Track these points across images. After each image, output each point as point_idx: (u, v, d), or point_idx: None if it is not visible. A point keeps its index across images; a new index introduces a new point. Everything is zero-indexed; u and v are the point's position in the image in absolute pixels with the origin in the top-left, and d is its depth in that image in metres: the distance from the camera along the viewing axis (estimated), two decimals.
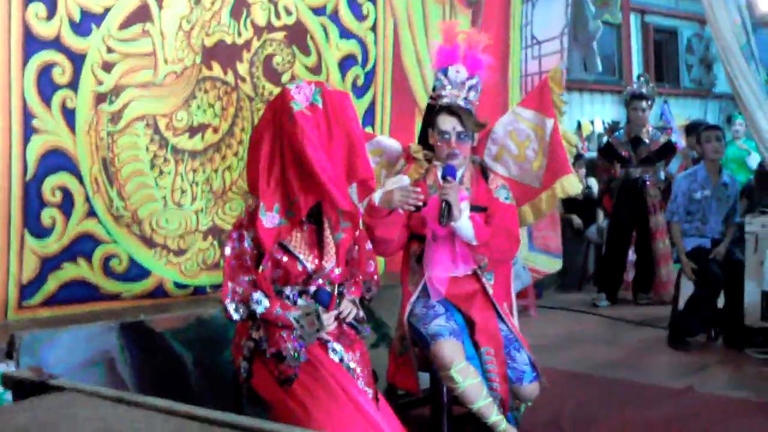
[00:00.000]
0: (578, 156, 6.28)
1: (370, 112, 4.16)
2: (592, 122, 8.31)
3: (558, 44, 5.03)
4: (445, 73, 3.06)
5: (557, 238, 5.23)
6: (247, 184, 2.57)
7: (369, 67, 4.14)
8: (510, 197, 3.06)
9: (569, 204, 6.49)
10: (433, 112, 3.08)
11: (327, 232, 2.49)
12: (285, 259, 2.43)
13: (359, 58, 4.05)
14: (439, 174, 2.96)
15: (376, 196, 2.83)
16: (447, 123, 2.96)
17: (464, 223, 2.88)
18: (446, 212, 2.82)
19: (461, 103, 3.00)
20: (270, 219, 2.40)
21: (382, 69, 4.24)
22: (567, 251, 5.57)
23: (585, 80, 8.17)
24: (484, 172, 3.08)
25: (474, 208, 2.96)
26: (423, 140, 3.20)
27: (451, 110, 2.96)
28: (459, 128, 2.94)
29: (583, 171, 6.49)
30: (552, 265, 5.26)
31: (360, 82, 4.05)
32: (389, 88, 4.23)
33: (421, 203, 2.83)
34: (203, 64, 3.38)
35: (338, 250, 2.50)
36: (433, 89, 3.13)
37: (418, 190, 2.84)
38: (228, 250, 2.44)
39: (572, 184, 3.23)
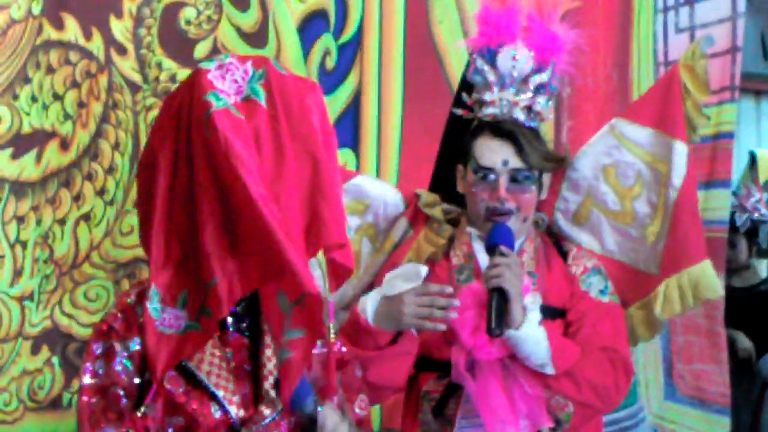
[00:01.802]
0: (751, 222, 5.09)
1: (347, 120, 3.32)
2: None
3: (728, 4, 4.03)
4: (490, 59, 2.43)
5: (723, 375, 4.10)
6: (140, 241, 2.09)
7: (348, 35, 3.28)
8: (610, 291, 2.42)
9: (734, 310, 4.97)
10: (465, 132, 2.48)
11: (268, 351, 1.97)
12: (189, 399, 1.90)
13: (331, 20, 3.23)
14: (476, 244, 2.41)
15: (368, 307, 2.26)
16: (492, 152, 2.37)
17: (532, 332, 2.26)
18: (500, 312, 2.21)
19: (520, 116, 2.39)
20: (169, 318, 1.89)
21: (375, 39, 3.36)
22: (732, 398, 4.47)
23: (765, 76, 6.38)
24: (557, 243, 2.51)
25: (544, 311, 2.32)
26: (441, 184, 2.63)
27: (501, 130, 2.37)
28: (515, 162, 2.36)
29: (742, 245, 5.14)
30: (713, 427, 4.19)
31: (330, 63, 3.25)
32: (398, 77, 3.39)
33: (454, 314, 2.21)
34: (45, 17, 2.55)
35: (285, 382, 1.94)
36: (465, 88, 2.51)
37: (450, 290, 2.21)
38: (86, 379, 1.90)
39: (706, 279, 2.49)
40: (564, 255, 2.46)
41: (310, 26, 3.14)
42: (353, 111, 3.30)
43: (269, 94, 1.92)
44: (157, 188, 1.95)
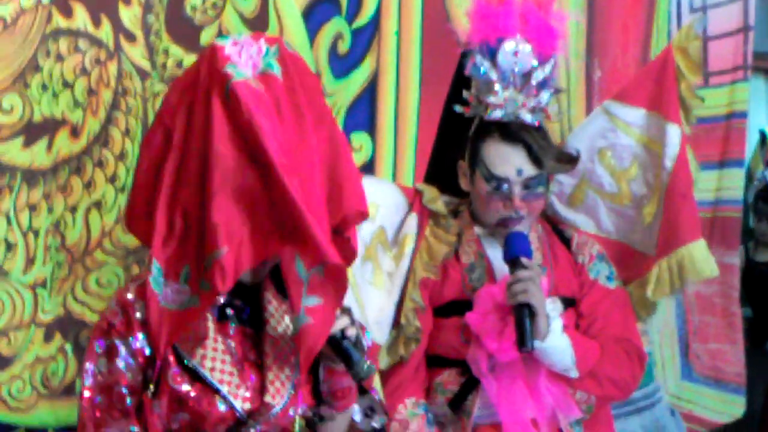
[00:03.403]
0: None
1: (362, 104, 3.24)
2: None
3: None
4: (490, 55, 2.36)
5: (738, 355, 4.02)
6: (125, 219, 2.11)
7: (364, 19, 3.22)
8: (615, 276, 2.42)
9: (755, 284, 5.02)
10: (464, 126, 2.39)
11: (277, 329, 1.94)
12: (191, 391, 1.87)
13: (343, 3, 3.18)
14: (490, 250, 2.36)
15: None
16: (505, 161, 2.29)
17: (557, 342, 2.24)
18: (530, 328, 2.18)
19: (527, 117, 2.30)
20: (172, 293, 1.85)
21: (393, 23, 3.30)
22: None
23: None
24: (556, 229, 2.47)
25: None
26: (437, 175, 2.56)
27: (511, 134, 2.29)
28: (529, 170, 2.28)
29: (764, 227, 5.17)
30: (729, 407, 4.12)
31: (343, 47, 3.19)
32: (415, 61, 3.34)
33: None
34: (54, 5, 2.55)
35: (303, 361, 1.90)
36: (465, 84, 2.41)
37: None
38: (87, 380, 1.88)
39: (694, 261, 2.46)
40: (566, 242, 2.45)
41: (317, 10, 3.12)
42: (369, 95, 3.27)
43: (284, 69, 1.91)
44: (166, 164, 1.94)
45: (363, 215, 2.00)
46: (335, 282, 1.95)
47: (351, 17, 3.18)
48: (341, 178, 1.95)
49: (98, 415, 1.93)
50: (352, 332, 1.98)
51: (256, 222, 1.87)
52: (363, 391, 2.09)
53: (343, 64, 3.21)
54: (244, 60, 1.93)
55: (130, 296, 1.94)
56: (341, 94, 3.15)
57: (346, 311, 2.01)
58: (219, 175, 1.86)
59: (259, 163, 1.83)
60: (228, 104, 1.86)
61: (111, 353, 1.93)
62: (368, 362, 1.96)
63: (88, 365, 1.95)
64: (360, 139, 3.20)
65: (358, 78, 3.23)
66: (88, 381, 1.94)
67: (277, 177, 1.83)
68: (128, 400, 1.92)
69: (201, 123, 1.91)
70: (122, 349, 1.93)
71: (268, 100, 1.88)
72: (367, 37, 3.25)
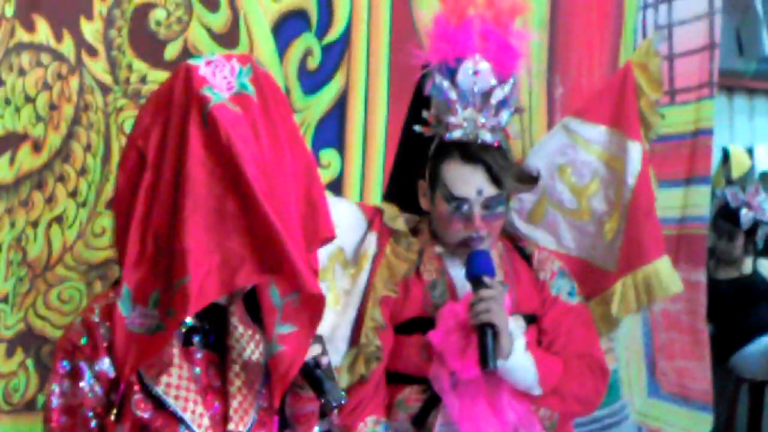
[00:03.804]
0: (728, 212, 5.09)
1: (332, 120, 3.22)
2: (750, 151, 6.36)
3: (705, 1, 3.98)
4: (449, 75, 2.34)
5: (705, 372, 4.04)
6: (115, 249, 2.05)
7: (334, 35, 3.22)
8: (577, 291, 2.41)
9: (715, 302, 4.95)
10: (423, 145, 2.37)
11: (236, 367, 1.92)
12: (155, 421, 1.86)
13: (312, 19, 3.15)
14: (451, 267, 2.34)
15: None
16: (465, 182, 2.28)
17: (520, 360, 2.24)
18: (492, 347, 2.16)
19: (487, 138, 2.29)
20: (140, 317, 1.84)
21: (363, 39, 3.30)
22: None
23: (737, 72, 6.18)
24: (517, 246, 2.46)
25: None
26: (398, 192, 2.53)
27: (471, 155, 2.28)
28: (489, 191, 2.27)
29: (741, 241, 5.22)
30: (696, 424, 4.11)
31: (313, 63, 3.16)
32: (384, 77, 3.32)
33: None
34: (17, 19, 2.54)
35: (276, 389, 1.90)
36: (424, 103, 2.39)
37: None
38: (54, 400, 1.87)
39: (659, 278, 2.46)
40: (527, 258, 2.44)
41: (287, 26, 3.09)
42: (338, 112, 3.27)
43: (259, 89, 1.91)
44: (140, 185, 1.91)
45: (332, 239, 2.00)
46: (312, 310, 1.95)
47: (321, 33, 3.16)
48: (315, 200, 1.96)
49: None
50: (324, 360, 1.98)
51: (228, 250, 1.86)
52: (322, 414, 2.09)
53: (312, 81, 3.19)
54: (219, 81, 1.91)
55: (95, 318, 1.92)
56: (310, 110, 3.13)
57: (319, 339, 2.01)
58: (192, 200, 1.85)
59: (237, 190, 1.83)
60: (206, 129, 1.85)
61: (75, 375, 1.91)
62: (340, 390, 1.97)
63: (54, 386, 1.93)
64: (329, 156, 3.18)
65: (328, 94, 3.20)
66: (54, 401, 1.92)
67: (256, 205, 1.82)
68: (93, 422, 1.90)
69: (175, 145, 1.90)
70: (87, 372, 1.91)
71: (245, 122, 1.87)
72: (337, 53, 3.23)
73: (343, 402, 1.98)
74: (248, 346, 1.98)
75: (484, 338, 2.14)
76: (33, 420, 2.50)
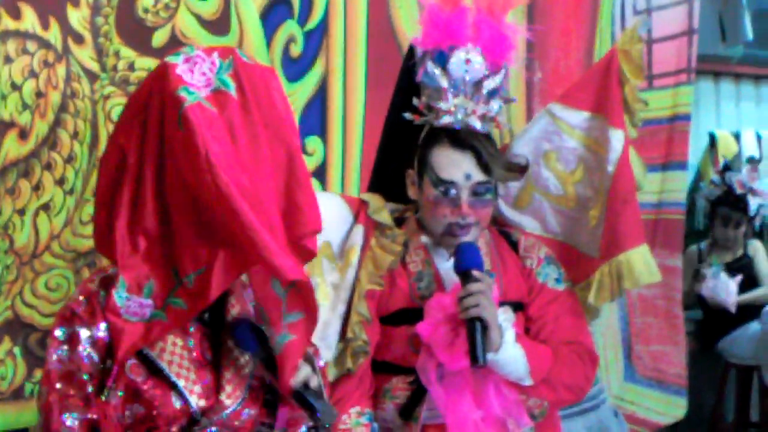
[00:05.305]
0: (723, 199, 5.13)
1: (314, 107, 3.25)
2: (737, 136, 6.38)
3: None
4: (441, 63, 2.33)
5: (680, 356, 4.06)
6: (93, 239, 2.05)
7: (314, 21, 3.23)
8: (564, 277, 2.39)
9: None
10: (411, 134, 2.36)
11: (230, 341, 1.96)
12: (148, 386, 1.91)
13: (295, 6, 3.19)
14: (437, 257, 2.32)
15: None
16: (453, 165, 2.27)
17: (510, 353, 2.20)
18: (482, 342, 2.12)
19: (477, 125, 2.28)
20: (134, 307, 1.88)
21: (340, 26, 3.30)
22: (691, 381, 4.42)
23: (723, 57, 6.22)
24: (504, 232, 2.43)
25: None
26: (384, 182, 2.51)
27: (460, 141, 2.27)
28: (478, 176, 2.25)
29: (741, 231, 5.21)
30: (671, 408, 4.13)
31: (296, 50, 3.19)
32: (361, 64, 3.36)
33: None
34: (3, 6, 2.55)
35: (285, 377, 1.94)
36: (414, 91, 2.38)
37: None
38: (51, 364, 1.91)
39: (633, 267, 2.41)
40: (513, 246, 2.42)
41: (273, 13, 3.11)
42: (320, 98, 3.27)
43: (238, 85, 1.91)
44: (123, 184, 1.93)
45: (318, 232, 1.99)
46: (309, 296, 1.97)
47: (303, 19, 3.16)
48: (298, 195, 1.95)
49: (60, 402, 1.93)
50: (314, 383, 2.00)
51: (219, 247, 1.89)
52: (316, 429, 2.12)
53: (296, 68, 3.19)
54: (197, 77, 1.92)
55: (93, 286, 1.94)
56: (295, 97, 3.13)
57: (309, 359, 2.01)
58: (178, 203, 1.90)
59: (212, 189, 1.85)
60: (180, 131, 1.87)
61: (73, 341, 1.94)
62: (331, 409, 1.99)
63: (51, 352, 1.95)
64: (313, 144, 3.19)
65: (311, 81, 3.21)
66: (51, 367, 1.94)
67: (233, 202, 1.83)
68: (89, 387, 1.92)
69: (155, 147, 1.91)
70: (84, 337, 1.93)
71: (221, 121, 1.88)
72: (317, 39, 3.24)
73: (334, 419, 2.01)
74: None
75: (474, 333, 2.13)
76: (20, 408, 2.54)
